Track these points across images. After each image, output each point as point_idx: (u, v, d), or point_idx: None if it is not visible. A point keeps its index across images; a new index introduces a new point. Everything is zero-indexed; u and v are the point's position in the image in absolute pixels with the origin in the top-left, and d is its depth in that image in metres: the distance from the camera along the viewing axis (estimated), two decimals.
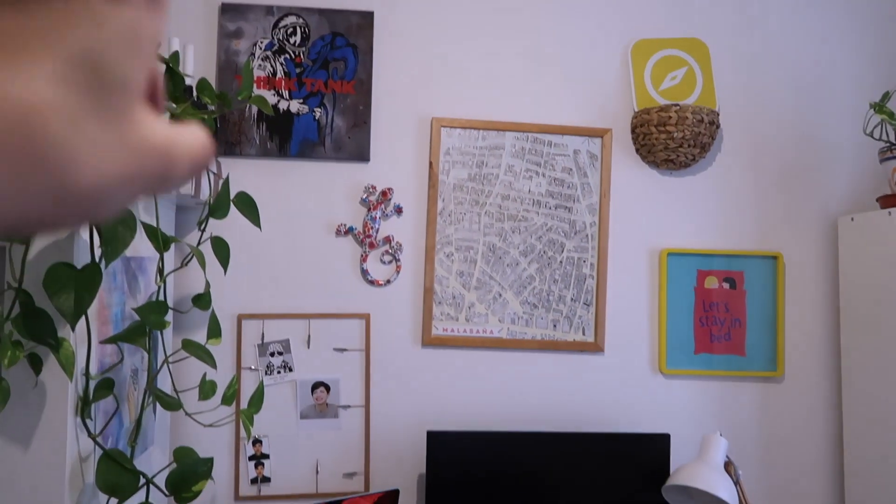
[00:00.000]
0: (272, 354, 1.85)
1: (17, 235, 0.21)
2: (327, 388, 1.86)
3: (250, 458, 1.83)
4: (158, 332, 1.43)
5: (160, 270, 1.37)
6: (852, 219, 1.92)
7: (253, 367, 1.85)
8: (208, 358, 1.40)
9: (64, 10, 0.20)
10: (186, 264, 1.49)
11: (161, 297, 1.40)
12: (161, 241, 1.33)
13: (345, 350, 1.88)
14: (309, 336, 1.87)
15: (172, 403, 1.36)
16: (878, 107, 1.75)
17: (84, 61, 0.20)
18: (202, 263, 1.36)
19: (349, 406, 1.87)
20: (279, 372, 1.85)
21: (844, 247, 1.95)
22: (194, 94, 1.48)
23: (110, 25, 0.21)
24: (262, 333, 1.85)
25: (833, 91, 2.06)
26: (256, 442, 1.83)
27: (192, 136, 0.25)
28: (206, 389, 1.40)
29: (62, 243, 1.13)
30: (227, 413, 1.59)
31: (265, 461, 1.84)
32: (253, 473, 1.83)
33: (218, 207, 1.45)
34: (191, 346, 1.38)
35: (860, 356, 1.88)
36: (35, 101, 0.19)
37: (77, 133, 0.20)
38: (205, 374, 1.47)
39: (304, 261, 1.88)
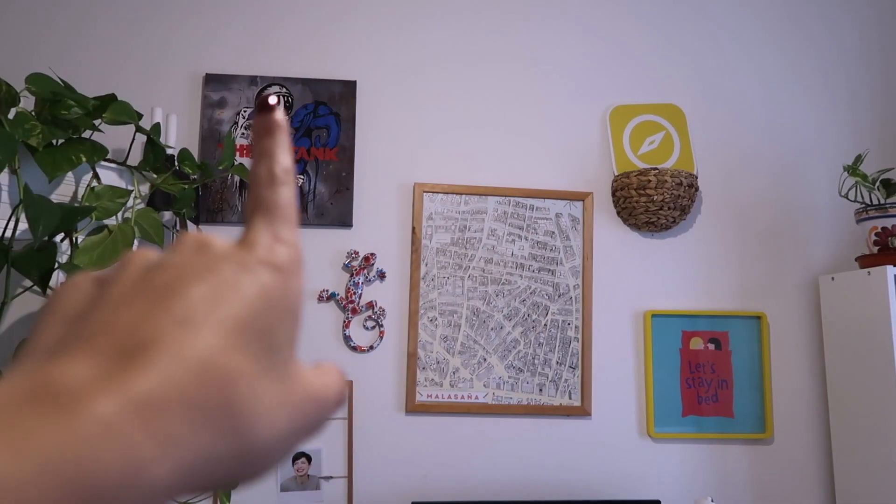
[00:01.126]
0: None
1: (197, 495, 0.22)
2: (308, 458, 1.82)
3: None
4: None
5: None
6: (833, 278, 1.93)
7: None
8: None
9: (233, 279, 0.23)
10: None
11: None
12: None
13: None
14: None
15: None
16: (852, 169, 1.78)
17: (256, 328, 0.23)
18: None
19: (331, 477, 1.82)
20: None
21: (826, 305, 1.96)
22: (176, 164, 1.48)
23: (272, 292, 0.24)
24: None
25: (808, 154, 2.10)
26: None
27: (334, 377, 0.26)
28: None
29: (33, 317, 1.11)
30: None
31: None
32: None
33: None
34: None
35: (847, 414, 1.86)
36: (230, 366, 0.21)
37: (256, 393, 0.22)
38: None
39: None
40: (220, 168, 1.48)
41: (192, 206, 1.46)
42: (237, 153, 1.89)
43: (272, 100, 0.29)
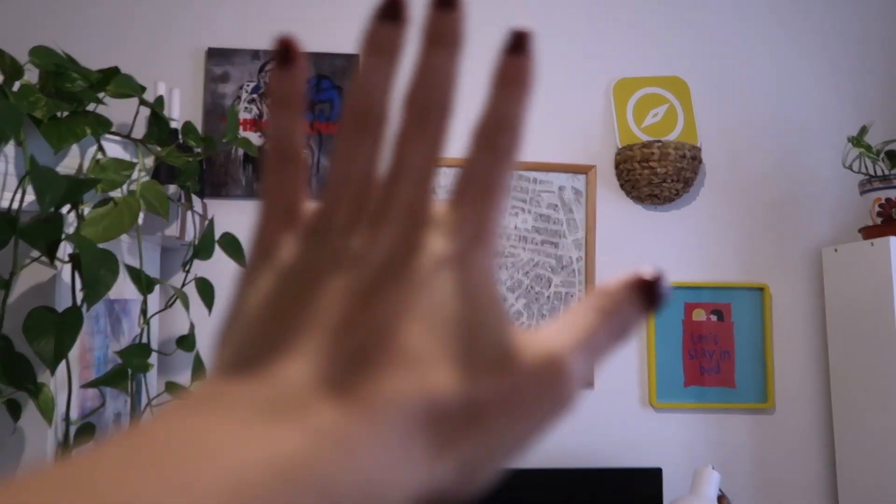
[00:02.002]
0: None
1: None
2: None
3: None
4: (142, 375, 1.42)
5: (144, 313, 1.37)
6: (836, 250, 1.93)
7: None
8: None
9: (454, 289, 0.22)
10: (171, 306, 1.49)
11: (145, 340, 1.39)
12: (144, 284, 1.33)
13: None
14: None
15: None
16: (856, 140, 1.78)
17: (464, 333, 0.22)
18: (186, 305, 1.36)
19: None
20: None
21: (829, 277, 1.96)
22: (180, 137, 1.49)
23: (475, 288, 0.23)
24: None
25: (812, 126, 2.10)
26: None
27: (568, 333, 0.24)
28: None
29: (43, 287, 1.13)
30: None
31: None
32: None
33: (202, 248, 1.45)
34: (175, 389, 1.37)
35: (849, 385, 1.88)
36: (455, 395, 0.21)
37: (487, 412, 0.21)
38: None
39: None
40: (224, 141, 1.49)
41: (196, 179, 1.47)
42: (240, 126, 1.89)
43: (524, 32, 0.24)
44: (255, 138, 1.90)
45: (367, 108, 0.24)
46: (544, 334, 0.23)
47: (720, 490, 1.70)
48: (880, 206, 1.83)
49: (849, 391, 1.88)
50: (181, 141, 1.46)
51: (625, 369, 1.96)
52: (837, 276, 1.93)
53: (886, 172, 1.83)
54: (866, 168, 1.86)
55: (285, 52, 0.24)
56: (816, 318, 2.03)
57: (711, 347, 1.98)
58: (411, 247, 0.22)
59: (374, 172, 0.24)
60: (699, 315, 1.99)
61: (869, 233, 1.85)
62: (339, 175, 0.24)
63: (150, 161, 1.46)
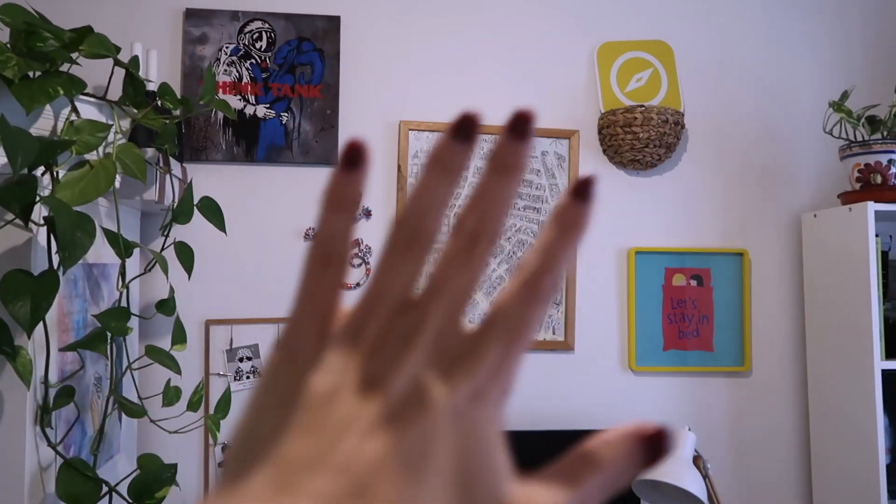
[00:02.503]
0: (241, 360, 1.84)
1: None
2: None
3: (219, 465, 1.82)
4: (122, 339, 1.42)
5: (122, 276, 1.37)
6: (815, 215, 1.95)
7: (221, 373, 1.84)
8: (172, 364, 1.39)
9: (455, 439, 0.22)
10: (150, 270, 1.48)
11: (124, 304, 1.39)
12: (123, 247, 1.32)
13: None
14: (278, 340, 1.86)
15: (136, 410, 1.35)
16: (837, 105, 1.78)
17: (464, 479, 0.22)
18: (164, 269, 1.35)
19: None
20: (248, 377, 1.84)
21: (808, 243, 1.98)
22: (157, 99, 1.47)
23: (474, 434, 0.23)
24: (231, 339, 1.84)
25: (794, 91, 2.10)
26: (226, 448, 1.82)
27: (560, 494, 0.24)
28: (170, 395, 1.39)
29: (18, 250, 1.12)
30: (193, 419, 1.58)
31: None
32: None
33: (181, 212, 1.44)
34: (154, 353, 1.38)
35: (825, 349, 1.91)
36: None
37: None
38: (168, 381, 1.46)
39: (273, 265, 1.88)
40: (202, 103, 1.47)
41: (174, 142, 1.45)
42: (219, 89, 1.87)
43: (592, 178, 0.25)
44: (235, 101, 1.88)
45: (420, 228, 0.24)
46: (538, 489, 0.23)
47: (696, 451, 1.73)
48: (859, 171, 1.85)
49: (824, 356, 1.91)
50: (158, 103, 1.44)
51: (605, 333, 1.98)
52: (816, 241, 1.95)
53: (866, 138, 1.84)
54: (846, 134, 1.87)
55: (354, 155, 0.24)
56: (795, 283, 2.05)
57: (691, 312, 2.01)
58: (432, 381, 0.23)
59: (412, 289, 0.24)
60: (679, 280, 2.01)
61: (847, 198, 1.87)
62: (379, 288, 0.24)
63: (126, 123, 1.44)
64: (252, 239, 1.88)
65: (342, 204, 0.24)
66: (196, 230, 1.84)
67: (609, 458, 0.24)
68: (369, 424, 0.21)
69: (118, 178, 1.41)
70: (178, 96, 1.54)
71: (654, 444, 0.24)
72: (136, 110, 1.43)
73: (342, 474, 0.21)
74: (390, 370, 0.23)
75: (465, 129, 0.24)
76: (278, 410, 0.23)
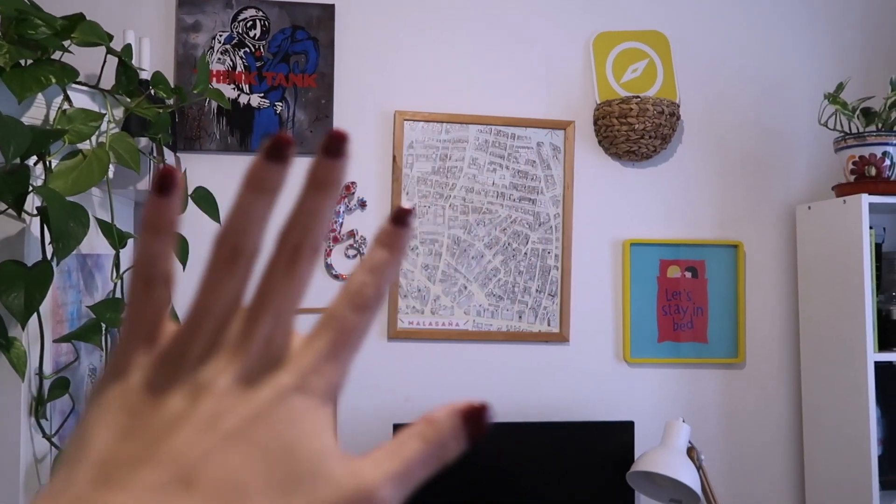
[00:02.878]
0: None
1: None
2: None
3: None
4: (116, 330, 1.41)
5: (116, 267, 1.35)
6: (809, 207, 1.96)
7: None
8: None
9: (272, 414, 0.24)
10: None
11: (118, 295, 1.38)
12: (116, 238, 1.31)
13: None
14: None
15: None
16: (832, 97, 1.78)
17: (279, 459, 0.24)
18: None
19: None
20: None
21: (802, 234, 1.99)
22: (150, 88, 1.45)
23: (300, 419, 0.25)
24: None
25: (790, 83, 2.10)
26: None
27: (390, 463, 0.26)
28: None
29: (12, 241, 1.11)
30: None
31: None
32: None
33: None
34: None
35: (818, 341, 1.92)
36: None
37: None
38: None
39: (267, 256, 1.86)
40: (195, 92, 1.45)
41: (168, 131, 1.44)
42: (213, 78, 1.85)
43: (408, 205, 0.28)
44: (229, 90, 1.86)
45: (239, 244, 0.25)
46: (364, 463, 0.25)
47: (690, 442, 1.74)
48: (854, 163, 1.85)
49: (818, 348, 1.92)
50: (151, 92, 1.43)
51: (600, 325, 1.99)
52: (810, 233, 1.96)
53: (861, 130, 1.84)
54: (841, 125, 1.87)
55: (164, 182, 0.25)
56: (789, 275, 2.06)
57: (685, 304, 2.01)
58: (258, 379, 0.24)
59: (237, 305, 0.26)
60: (674, 272, 2.01)
61: (842, 190, 1.87)
62: (204, 304, 0.25)
63: (119, 112, 1.42)
64: None
65: (159, 228, 0.25)
66: (191, 221, 1.82)
67: (434, 432, 0.26)
68: (196, 423, 0.23)
69: (111, 167, 1.40)
70: (172, 85, 1.52)
71: (476, 420, 0.26)
72: (129, 99, 1.41)
73: (167, 466, 0.22)
74: (217, 374, 0.24)
75: (277, 150, 0.25)
76: (107, 420, 0.24)
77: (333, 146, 0.26)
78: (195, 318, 0.25)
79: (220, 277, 0.25)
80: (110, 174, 1.39)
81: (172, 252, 0.26)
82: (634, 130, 1.91)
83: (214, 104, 1.85)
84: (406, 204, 0.27)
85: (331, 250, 1.88)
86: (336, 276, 1.88)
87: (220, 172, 1.86)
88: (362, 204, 1.90)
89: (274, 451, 0.23)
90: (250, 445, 0.23)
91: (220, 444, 0.23)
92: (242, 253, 0.25)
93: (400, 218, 0.27)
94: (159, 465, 0.22)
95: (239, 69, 1.88)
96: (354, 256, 1.89)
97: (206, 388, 0.24)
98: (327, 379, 0.25)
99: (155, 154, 1.54)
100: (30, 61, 1.16)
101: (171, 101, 1.47)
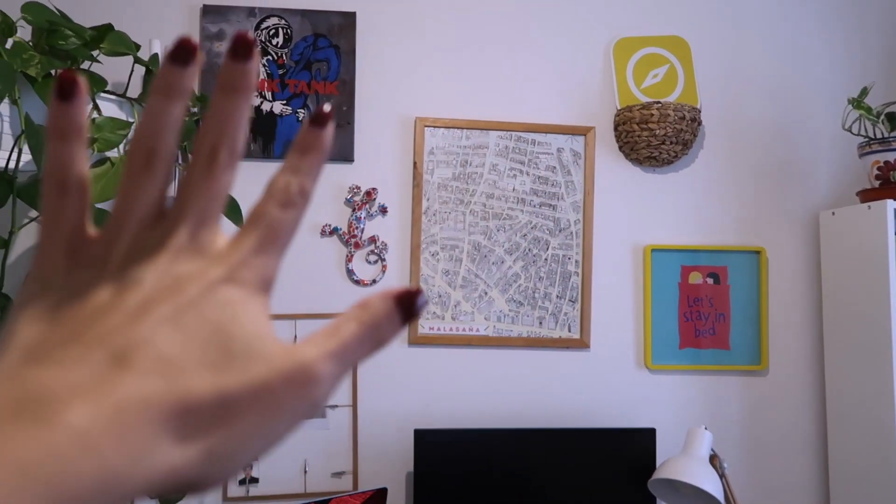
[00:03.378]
0: None
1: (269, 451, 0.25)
2: None
3: None
4: None
5: None
6: (833, 213, 1.94)
7: None
8: None
9: (199, 299, 0.25)
10: None
11: None
12: None
13: None
14: (296, 336, 1.87)
15: None
16: (856, 102, 1.77)
17: (212, 343, 0.24)
18: None
19: (337, 406, 1.87)
20: None
21: (826, 241, 1.97)
22: None
23: (230, 307, 0.25)
24: None
25: (812, 87, 2.08)
26: None
27: (330, 340, 0.26)
28: None
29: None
30: None
31: (253, 462, 1.84)
32: (241, 474, 1.83)
33: None
34: None
35: (843, 348, 1.90)
36: (192, 388, 0.23)
37: (219, 399, 0.23)
38: None
39: (290, 262, 1.88)
40: None
41: (192, 139, 1.46)
42: None
43: (327, 108, 0.28)
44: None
45: (153, 148, 0.25)
46: (301, 344, 0.25)
47: (712, 450, 1.73)
48: (878, 168, 1.83)
49: (841, 354, 1.90)
50: None
51: (621, 331, 1.98)
52: (834, 239, 1.94)
53: (886, 135, 1.82)
54: (865, 130, 1.85)
55: (64, 87, 0.25)
56: (812, 281, 2.04)
57: (707, 310, 2.00)
58: (186, 273, 0.25)
59: (160, 206, 0.26)
60: (696, 278, 2.00)
61: (866, 196, 1.85)
62: (124, 208, 0.26)
63: None
64: None
65: (65, 133, 0.25)
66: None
67: (369, 315, 0.26)
68: (125, 311, 0.23)
69: None
70: (197, 94, 1.54)
71: (408, 304, 0.27)
72: None
73: (99, 345, 0.22)
74: (144, 272, 0.25)
75: (182, 53, 0.25)
76: (33, 316, 0.24)
77: (240, 50, 0.26)
78: (116, 220, 0.25)
79: (138, 180, 0.25)
80: None
81: (84, 157, 0.26)
82: (655, 136, 1.91)
83: None
84: (326, 107, 0.28)
85: (352, 256, 1.89)
86: (357, 282, 1.89)
87: (243, 179, 1.88)
88: (383, 210, 1.91)
89: (207, 333, 0.24)
90: (182, 329, 0.23)
91: (151, 328, 0.23)
92: (156, 154, 0.25)
93: (317, 119, 0.28)
94: (91, 344, 0.22)
95: (262, 76, 1.90)
96: (375, 262, 1.91)
97: (134, 283, 0.24)
98: (257, 271, 0.26)
99: (181, 162, 1.56)
100: (60, 71, 1.19)
101: (196, 110, 1.49)
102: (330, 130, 0.28)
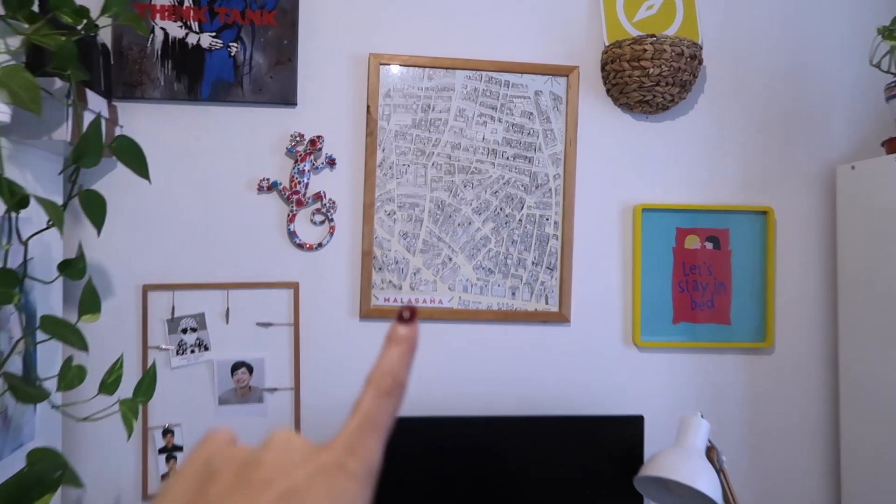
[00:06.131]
0: (184, 331, 1.59)
1: None
2: (250, 368, 1.61)
3: (160, 452, 1.58)
4: (12, 307, 1.17)
5: (10, 232, 1.11)
6: (853, 167, 1.67)
7: (163, 346, 1.59)
8: (75, 338, 1.14)
9: (310, 483, 0.28)
10: (53, 226, 1.22)
11: (14, 265, 1.13)
12: (7, 192, 1.07)
13: (270, 325, 1.62)
14: (227, 309, 1.61)
15: (33, 394, 1.11)
16: (888, 32, 1.49)
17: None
18: (58, 223, 1.09)
19: (276, 389, 1.62)
20: (193, 351, 1.60)
21: (843, 199, 1.71)
22: (52, 12, 1.19)
23: (341, 495, 0.28)
24: (173, 307, 1.59)
25: (831, 20, 1.80)
26: (167, 432, 1.58)
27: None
28: (70, 377, 1.14)
29: None
30: (109, 403, 1.33)
31: (178, 454, 1.59)
32: (164, 468, 1.58)
33: (85, 153, 1.17)
34: (51, 325, 1.12)
35: (859, 323, 1.65)
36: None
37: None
38: (70, 358, 1.20)
39: (221, 222, 1.62)
40: (107, 16, 1.19)
41: (77, 64, 1.18)
42: (154, 13, 1.59)
43: (406, 314, 0.33)
44: (175, 28, 1.59)
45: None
46: None
47: (709, 441, 1.48)
48: None
49: (857, 331, 1.65)
50: (53, 16, 1.17)
51: (606, 304, 1.72)
52: (853, 197, 1.68)
53: None
54: (895, 69, 1.58)
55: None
56: (826, 245, 1.78)
57: (705, 279, 1.74)
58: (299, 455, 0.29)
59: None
60: (692, 242, 1.74)
61: (893, 146, 1.59)
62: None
63: (15, 42, 1.17)
64: (196, 190, 1.61)
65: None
66: (131, 181, 1.58)
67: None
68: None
69: (7, 108, 1.15)
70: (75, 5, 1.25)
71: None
72: (26, 25, 1.15)
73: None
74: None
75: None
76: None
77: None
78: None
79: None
80: (6, 117, 1.14)
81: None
82: (648, 76, 1.63)
83: (158, 43, 1.59)
84: (405, 313, 0.33)
85: (294, 215, 1.62)
86: (300, 246, 1.62)
87: (165, 124, 1.60)
88: (331, 162, 1.64)
89: None
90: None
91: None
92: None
93: (405, 315, 0.33)
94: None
95: (187, 4, 1.61)
96: (321, 223, 1.64)
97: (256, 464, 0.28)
98: (361, 461, 0.29)
99: (71, 97, 1.28)
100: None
101: (81, 28, 1.20)
102: (416, 327, 0.33)
